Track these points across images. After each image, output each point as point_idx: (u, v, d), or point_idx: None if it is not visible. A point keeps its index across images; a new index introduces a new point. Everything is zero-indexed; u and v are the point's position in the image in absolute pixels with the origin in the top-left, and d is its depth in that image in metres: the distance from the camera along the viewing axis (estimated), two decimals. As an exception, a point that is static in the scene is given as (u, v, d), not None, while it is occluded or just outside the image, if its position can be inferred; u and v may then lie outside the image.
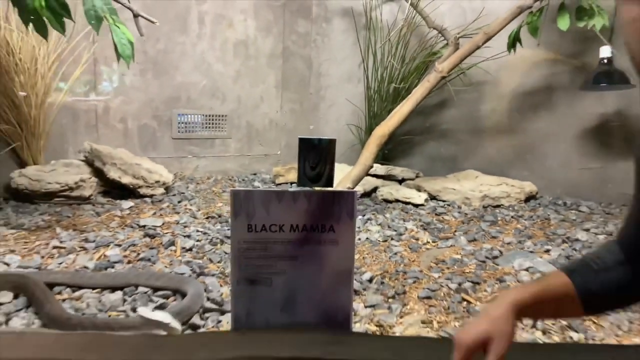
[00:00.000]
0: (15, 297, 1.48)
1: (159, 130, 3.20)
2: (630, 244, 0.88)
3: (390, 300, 1.52)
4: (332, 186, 1.18)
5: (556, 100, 3.22)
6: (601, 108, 3.09)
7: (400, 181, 3.18)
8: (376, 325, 1.38)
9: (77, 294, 1.53)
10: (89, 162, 2.65)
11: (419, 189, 3.01)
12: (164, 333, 1.19)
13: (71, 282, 1.57)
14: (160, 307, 1.44)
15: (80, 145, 2.89)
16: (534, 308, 0.87)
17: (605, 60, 2.77)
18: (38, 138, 2.57)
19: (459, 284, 1.65)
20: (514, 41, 2.73)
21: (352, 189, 2.43)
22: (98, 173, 2.60)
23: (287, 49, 3.48)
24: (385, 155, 3.29)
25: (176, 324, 1.18)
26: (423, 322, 1.40)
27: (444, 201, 2.90)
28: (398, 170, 3.19)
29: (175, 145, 3.27)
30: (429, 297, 1.54)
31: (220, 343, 1.19)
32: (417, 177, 3.22)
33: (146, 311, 1.17)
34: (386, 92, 3.24)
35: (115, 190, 2.61)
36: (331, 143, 1.16)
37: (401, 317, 1.43)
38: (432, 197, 2.96)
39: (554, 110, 3.24)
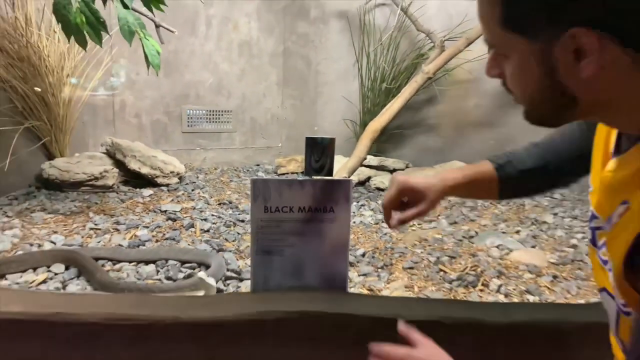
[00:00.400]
0: (66, 268, 1.77)
1: (170, 124, 3.48)
2: (550, 150, 1.07)
3: (379, 270, 1.83)
4: (332, 176, 1.47)
5: (534, 96, 3.51)
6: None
7: (392, 171, 3.47)
8: (367, 290, 1.68)
9: (117, 266, 1.82)
10: (110, 155, 2.93)
11: (408, 178, 3.30)
12: (201, 294, 1.49)
13: (112, 257, 1.86)
14: (189, 276, 1.74)
15: (99, 139, 3.17)
16: (463, 189, 1.11)
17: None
18: (65, 133, 2.85)
19: (438, 258, 1.95)
20: (494, 45, 3.02)
21: (348, 178, 2.72)
22: (118, 164, 2.88)
23: (288, 48, 3.75)
24: (378, 147, 3.57)
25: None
26: (406, 286, 1.70)
27: (430, 189, 3.19)
28: (390, 162, 3.48)
29: (185, 139, 3.55)
30: (411, 268, 1.85)
31: (245, 301, 1.48)
32: (407, 167, 3.51)
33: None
34: (379, 89, 3.53)
35: (134, 180, 2.88)
36: (332, 141, 1.45)
37: (388, 283, 1.73)
38: (420, 186, 3.25)
39: (532, 106, 3.53)
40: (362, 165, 3.04)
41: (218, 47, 3.54)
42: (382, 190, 3.13)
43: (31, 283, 1.67)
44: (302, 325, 1.34)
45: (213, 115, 3.62)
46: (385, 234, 2.25)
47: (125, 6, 1.95)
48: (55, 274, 1.74)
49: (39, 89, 2.71)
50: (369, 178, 3.29)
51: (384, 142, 3.63)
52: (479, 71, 3.48)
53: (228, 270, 1.77)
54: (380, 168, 3.44)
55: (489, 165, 1.10)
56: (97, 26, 1.91)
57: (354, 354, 1.00)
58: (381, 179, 3.20)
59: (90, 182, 2.70)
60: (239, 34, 3.58)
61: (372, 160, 3.39)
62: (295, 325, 1.35)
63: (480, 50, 3.12)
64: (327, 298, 1.44)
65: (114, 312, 1.35)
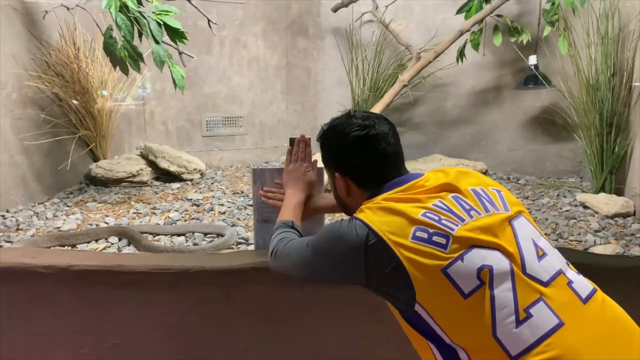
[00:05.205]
0: (119, 240, 2.38)
1: (191, 130, 4.11)
2: None
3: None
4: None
5: (503, 96, 4.06)
6: (538, 102, 3.93)
7: (381, 164, 4.03)
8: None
9: (156, 238, 2.43)
10: (143, 156, 3.55)
11: (394, 170, 3.86)
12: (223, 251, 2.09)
13: (152, 231, 2.46)
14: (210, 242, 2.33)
15: (133, 144, 3.81)
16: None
17: (533, 66, 3.61)
18: (106, 139, 3.49)
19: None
20: (460, 55, 3.58)
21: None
22: (151, 164, 3.50)
23: (290, 62, 4.35)
24: (370, 144, 4.13)
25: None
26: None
27: (413, 179, 3.75)
28: (379, 156, 4.04)
29: (205, 141, 4.17)
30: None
31: (249, 255, 2.08)
32: (394, 161, 4.06)
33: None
34: (367, 95, 4.10)
35: (164, 176, 3.50)
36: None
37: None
38: (405, 176, 3.81)
39: (502, 104, 4.07)
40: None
41: (231, 63, 4.16)
42: (371, 180, 3.69)
43: (95, 249, 2.29)
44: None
45: (228, 120, 4.24)
46: (364, 212, 2.82)
47: (157, 42, 2.55)
48: (112, 243, 2.35)
49: (76, 102, 3.34)
50: (360, 171, 3.85)
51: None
52: (453, 77, 4.04)
53: (239, 238, 2.36)
54: (371, 162, 3.99)
55: None
56: (136, 58, 2.53)
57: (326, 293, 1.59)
58: (370, 171, 3.76)
59: (129, 179, 3.33)
60: (248, 52, 4.20)
61: (363, 155, 3.95)
62: (285, 271, 1.92)
63: (449, 60, 3.69)
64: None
65: (157, 264, 1.93)
